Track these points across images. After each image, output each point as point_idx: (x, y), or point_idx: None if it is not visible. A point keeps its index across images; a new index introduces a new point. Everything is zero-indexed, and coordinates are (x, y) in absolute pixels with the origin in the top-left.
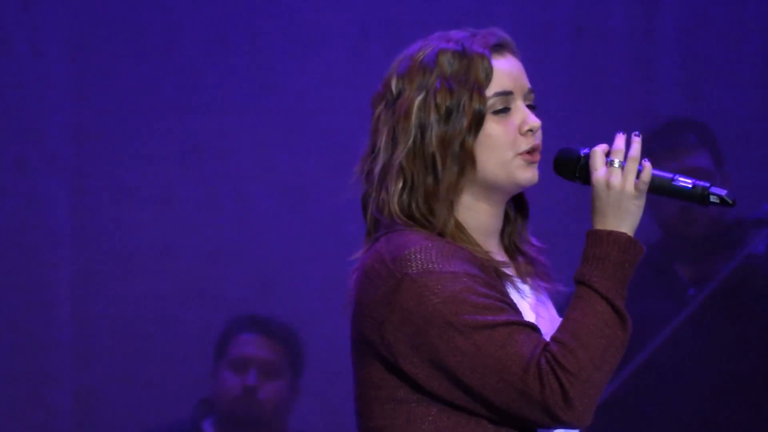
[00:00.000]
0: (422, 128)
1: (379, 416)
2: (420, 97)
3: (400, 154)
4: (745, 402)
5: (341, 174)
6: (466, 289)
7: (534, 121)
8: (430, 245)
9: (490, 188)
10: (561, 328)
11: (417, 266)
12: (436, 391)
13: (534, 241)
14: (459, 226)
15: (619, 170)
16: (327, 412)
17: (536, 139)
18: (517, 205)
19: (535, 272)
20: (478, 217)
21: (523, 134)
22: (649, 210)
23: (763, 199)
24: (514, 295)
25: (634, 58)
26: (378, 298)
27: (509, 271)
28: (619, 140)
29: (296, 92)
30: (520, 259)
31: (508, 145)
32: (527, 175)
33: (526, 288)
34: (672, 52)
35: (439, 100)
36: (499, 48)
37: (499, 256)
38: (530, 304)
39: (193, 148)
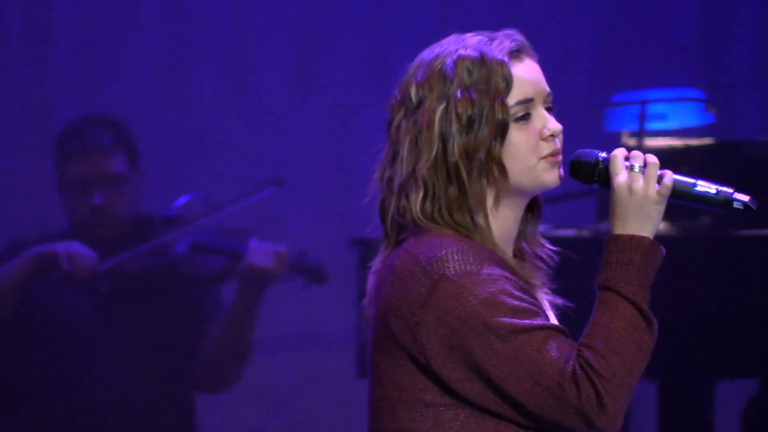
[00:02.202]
0: (444, 139)
1: (405, 418)
2: (441, 107)
3: (423, 165)
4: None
5: None
6: (503, 291)
7: (555, 126)
8: (466, 247)
9: (514, 194)
10: (590, 334)
11: (455, 267)
12: (467, 394)
13: (546, 243)
14: (484, 233)
15: (641, 175)
16: None
17: (557, 143)
18: (529, 207)
19: (537, 281)
20: (501, 223)
21: (544, 139)
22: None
23: (172, 196)
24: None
25: (31, 54)
26: (412, 299)
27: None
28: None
29: None
30: (527, 267)
31: (531, 151)
32: (552, 176)
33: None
34: (68, 48)
35: (460, 110)
36: (517, 53)
37: (515, 264)
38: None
39: None
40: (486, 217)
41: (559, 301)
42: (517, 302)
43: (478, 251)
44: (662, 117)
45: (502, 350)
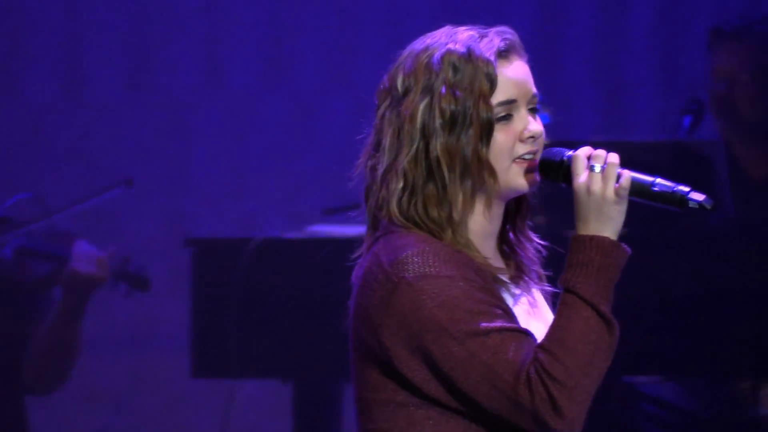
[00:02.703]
0: (426, 133)
1: (380, 419)
2: (425, 101)
3: (404, 158)
4: None
5: None
6: (461, 294)
7: (535, 128)
8: (427, 249)
9: (489, 194)
10: (548, 336)
11: (414, 270)
12: (433, 395)
13: (534, 238)
14: (458, 230)
15: (599, 176)
16: None
17: (536, 145)
18: (517, 203)
19: (528, 273)
20: (479, 220)
21: (522, 141)
22: None
23: (6, 197)
24: (509, 300)
25: None
26: (375, 302)
27: (504, 276)
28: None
29: None
30: (515, 260)
31: (507, 152)
32: (522, 181)
33: (519, 292)
34: None
35: (443, 105)
36: (506, 53)
37: (496, 260)
38: (525, 308)
39: None
40: (463, 215)
41: (548, 288)
42: (476, 304)
43: (440, 253)
44: None
45: (458, 353)
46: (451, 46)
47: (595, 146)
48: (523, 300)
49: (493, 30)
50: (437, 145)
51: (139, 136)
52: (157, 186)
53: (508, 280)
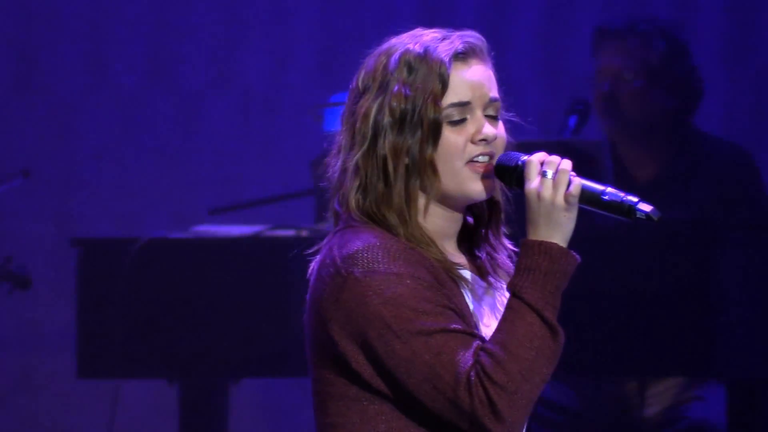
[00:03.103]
0: (377, 131)
1: (334, 413)
2: (378, 100)
3: (356, 155)
4: None
5: None
6: (408, 292)
7: (488, 131)
8: (378, 244)
9: (444, 196)
10: (492, 339)
11: (363, 265)
12: (383, 390)
13: (507, 243)
14: (414, 227)
15: (551, 182)
16: None
17: (490, 149)
18: (489, 206)
19: (497, 273)
20: (433, 220)
21: (474, 143)
22: None
23: None
24: (468, 298)
25: None
26: (326, 296)
27: (466, 273)
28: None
29: None
30: (483, 259)
31: (458, 153)
32: (477, 187)
33: (484, 290)
34: None
35: (394, 104)
36: (463, 55)
37: (457, 257)
38: (488, 308)
39: None
40: (413, 214)
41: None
42: (422, 303)
43: (391, 249)
44: None
45: (401, 351)
46: (410, 46)
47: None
48: (488, 300)
49: (458, 33)
50: (385, 143)
51: (25, 136)
52: (44, 186)
53: (468, 278)
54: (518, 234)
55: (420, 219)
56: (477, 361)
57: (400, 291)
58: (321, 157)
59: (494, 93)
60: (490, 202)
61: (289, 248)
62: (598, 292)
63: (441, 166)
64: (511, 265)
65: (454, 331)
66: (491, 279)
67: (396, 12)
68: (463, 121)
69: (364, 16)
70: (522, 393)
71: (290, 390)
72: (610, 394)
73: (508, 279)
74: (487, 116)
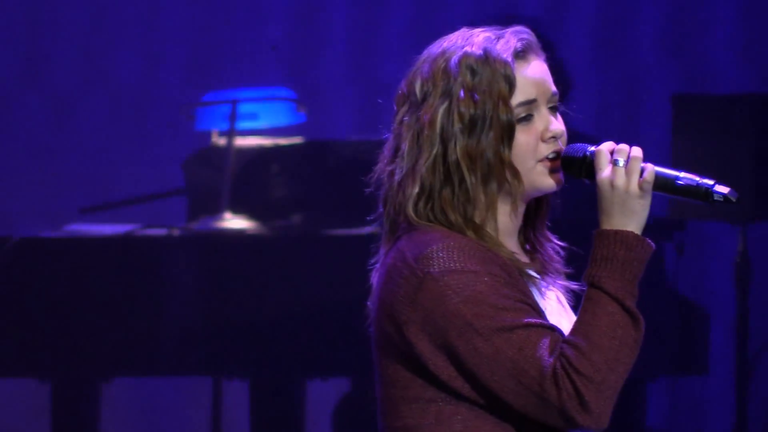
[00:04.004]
0: (445, 138)
1: (407, 416)
2: (444, 106)
3: (423, 163)
4: None
5: None
6: (487, 289)
7: (556, 128)
8: (452, 243)
9: (513, 195)
10: (574, 331)
11: (439, 265)
12: (460, 391)
13: (553, 238)
14: (480, 230)
15: (623, 170)
16: None
17: (559, 145)
18: (537, 202)
19: (551, 270)
20: (500, 219)
21: (545, 141)
22: None
23: None
24: (537, 296)
25: None
26: (400, 298)
27: (532, 271)
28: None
29: None
30: (538, 257)
31: (530, 153)
32: (549, 181)
33: (547, 288)
34: None
35: (462, 109)
36: (522, 53)
37: (521, 256)
38: (553, 305)
39: None
40: (486, 216)
41: (574, 286)
42: (501, 299)
43: (465, 247)
44: (253, 116)
45: (484, 349)
46: (467, 48)
47: (355, 146)
48: (551, 296)
49: (509, 30)
50: (457, 149)
51: None
52: None
53: (536, 276)
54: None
55: (489, 219)
56: (561, 354)
57: (478, 289)
58: (193, 157)
59: (554, 87)
60: (539, 197)
61: (161, 247)
62: None
63: (517, 166)
64: (559, 260)
65: (534, 325)
66: (549, 276)
67: (268, 12)
68: (530, 118)
69: (236, 16)
70: (608, 383)
71: (163, 389)
72: None
73: (559, 274)
74: (551, 110)
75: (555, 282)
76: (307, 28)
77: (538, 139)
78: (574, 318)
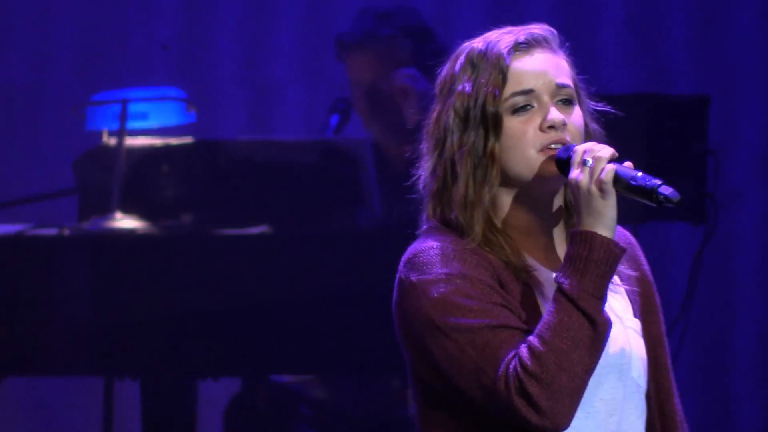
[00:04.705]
0: (446, 133)
1: (421, 414)
2: (447, 102)
3: (431, 160)
4: None
5: None
6: (455, 290)
7: (554, 117)
8: (435, 246)
9: (521, 187)
10: (534, 332)
11: (418, 269)
12: (440, 395)
13: None
14: (492, 228)
15: (588, 170)
16: None
17: (564, 135)
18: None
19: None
20: (519, 215)
21: (543, 131)
22: None
23: None
24: (540, 299)
25: None
26: (394, 303)
27: (544, 274)
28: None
29: None
30: None
31: (529, 142)
32: (550, 168)
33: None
34: None
35: (457, 103)
36: (525, 45)
37: (549, 256)
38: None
39: None
40: (489, 211)
41: (626, 286)
42: (468, 301)
43: (446, 251)
44: (143, 116)
45: (451, 349)
46: (474, 44)
47: (245, 146)
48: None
49: (527, 26)
50: (453, 143)
51: None
52: None
53: (543, 280)
54: None
55: (500, 216)
56: (518, 354)
57: (447, 290)
58: (84, 157)
59: (562, 79)
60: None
61: (51, 247)
62: (363, 292)
63: (512, 157)
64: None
65: (501, 326)
66: None
67: (159, 11)
68: (528, 108)
69: (126, 15)
70: (559, 383)
71: (55, 389)
72: (374, 393)
73: (621, 276)
74: (558, 102)
75: (613, 283)
76: (197, 28)
77: (536, 129)
78: (625, 318)
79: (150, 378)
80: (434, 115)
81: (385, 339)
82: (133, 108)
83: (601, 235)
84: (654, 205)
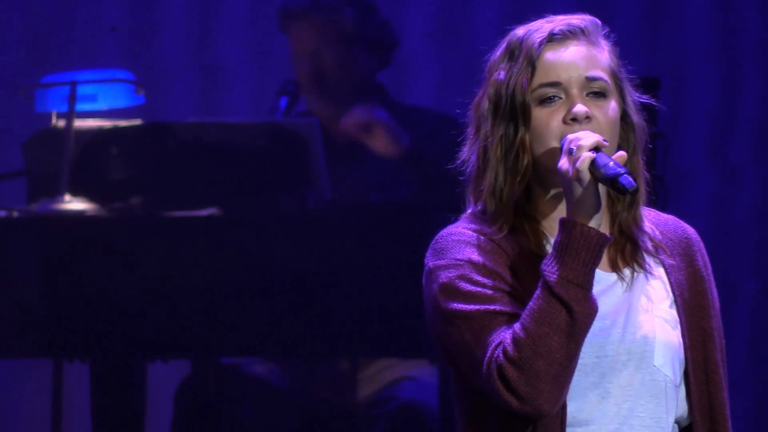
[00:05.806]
0: (481, 120)
1: (457, 400)
2: (487, 88)
3: (472, 147)
4: None
5: None
6: (461, 276)
7: (578, 110)
8: (454, 233)
9: (550, 177)
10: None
11: (434, 255)
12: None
13: (645, 227)
14: (522, 217)
15: (570, 158)
16: None
17: (587, 128)
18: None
19: (636, 261)
20: (546, 203)
21: (567, 123)
22: None
23: None
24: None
25: None
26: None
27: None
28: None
29: None
30: (638, 248)
31: (551, 134)
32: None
33: (614, 281)
34: None
35: (492, 91)
36: (560, 36)
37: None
38: (616, 298)
39: None
40: (516, 198)
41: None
42: (472, 287)
43: (461, 237)
44: (92, 98)
45: (453, 334)
46: (518, 31)
47: (194, 128)
48: (616, 290)
49: (568, 16)
50: (485, 131)
51: None
52: None
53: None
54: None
55: (532, 205)
56: (503, 341)
57: (454, 276)
58: (33, 139)
59: (594, 72)
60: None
61: (0, 229)
62: (313, 275)
63: (538, 147)
64: (651, 250)
65: (500, 313)
66: (637, 268)
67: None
68: (554, 100)
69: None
70: (536, 369)
71: (2, 371)
72: (323, 377)
73: (660, 267)
74: (590, 95)
75: (648, 276)
76: (146, 10)
77: (560, 121)
78: (657, 308)
79: (99, 360)
80: (476, 100)
81: (334, 321)
82: (82, 90)
83: (580, 224)
84: (619, 193)
